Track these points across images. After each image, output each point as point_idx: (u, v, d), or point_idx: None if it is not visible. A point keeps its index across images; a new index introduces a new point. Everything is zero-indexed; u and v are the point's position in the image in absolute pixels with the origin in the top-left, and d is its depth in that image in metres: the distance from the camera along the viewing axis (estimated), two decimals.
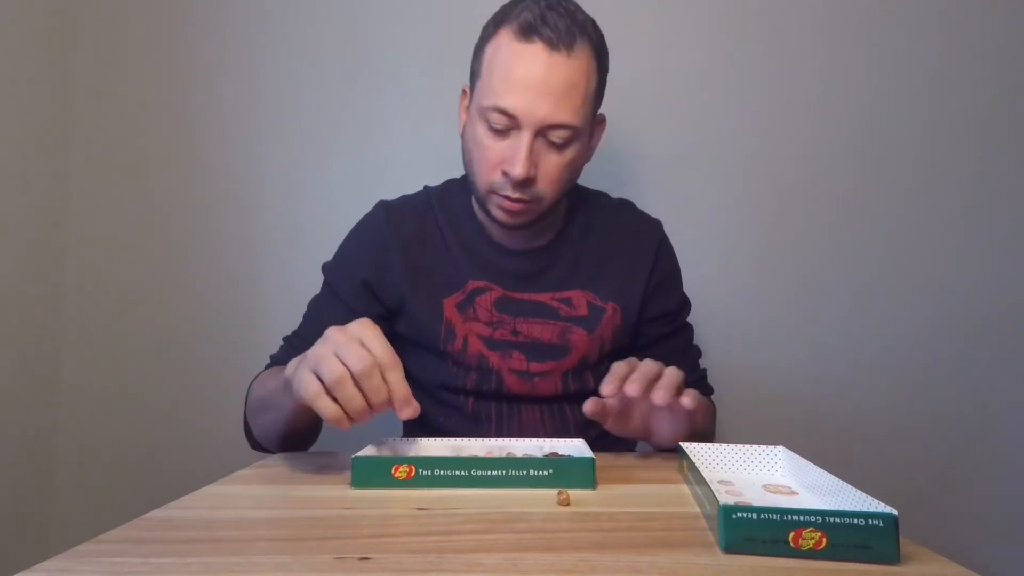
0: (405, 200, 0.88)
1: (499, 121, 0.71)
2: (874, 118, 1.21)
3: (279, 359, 0.81)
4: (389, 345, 0.55)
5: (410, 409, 0.54)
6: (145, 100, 1.21)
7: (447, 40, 1.21)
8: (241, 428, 0.79)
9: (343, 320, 0.80)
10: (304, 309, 0.85)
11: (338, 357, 0.52)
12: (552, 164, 0.73)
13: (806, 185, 1.21)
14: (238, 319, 1.20)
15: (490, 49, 0.73)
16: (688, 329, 0.90)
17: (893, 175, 1.21)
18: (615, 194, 0.92)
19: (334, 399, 0.52)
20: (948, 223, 1.21)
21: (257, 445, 0.77)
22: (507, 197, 0.73)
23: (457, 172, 0.91)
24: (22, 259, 1.11)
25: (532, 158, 0.71)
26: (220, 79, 1.21)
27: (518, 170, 0.70)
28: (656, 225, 0.89)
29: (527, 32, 0.69)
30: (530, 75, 0.69)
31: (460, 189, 0.87)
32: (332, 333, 0.55)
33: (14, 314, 1.09)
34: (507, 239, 0.83)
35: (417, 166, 1.20)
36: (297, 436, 0.70)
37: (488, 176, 0.74)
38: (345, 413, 0.53)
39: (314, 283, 0.86)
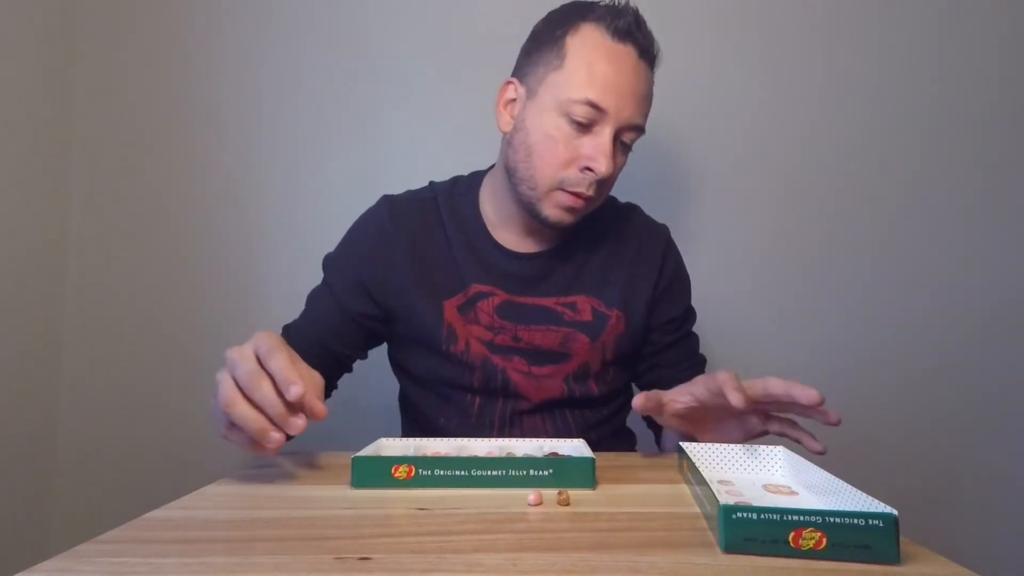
0: (410, 195, 0.86)
1: (585, 115, 0.70)
2: (874, 118, 1.21)
3: None
4: (273, 340, 0.54)
5: (297, 388, 0.50)
6: (145, 100, 1.21)
7: (448, 38, 1.21)
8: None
9: (334, 314, 0.81)
10: (304, 307, 0.85)
11: (231, 375, 0.53)
12: (618, 165, 0.75)
13: (806, 186, 1.21)
14: (238, 319, 1.20)
15: (574, 42, 0.72)
16: (693, 338, 0.89)
17: (894, 175, 1.21)
18: (616, 196, 0.92)
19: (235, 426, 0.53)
20: (949, 223, 1.21)
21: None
22: (577, 193, 0.73)
23: (458, 170, 0.91)
24: (22, 259, 1.11)
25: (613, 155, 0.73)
26: (220, 79, 1.21)
27: (604, 166, 0.71)
28: (662, 230, 0.88)
29: (623, 35, 0.71)
30: (624, 75, 0.71)
31: (467, 188, 0.85)
32: (228, 354, 0.55)
33: (14, 314, 1.09)
34: (515, 243, 0.81)
35: (417, 165, 1.20)
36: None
37: (558, 172, 0.73)
38: (257, 438, 0.52)
39: (314, 283, 0.86)
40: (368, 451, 0.58)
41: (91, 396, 1.20)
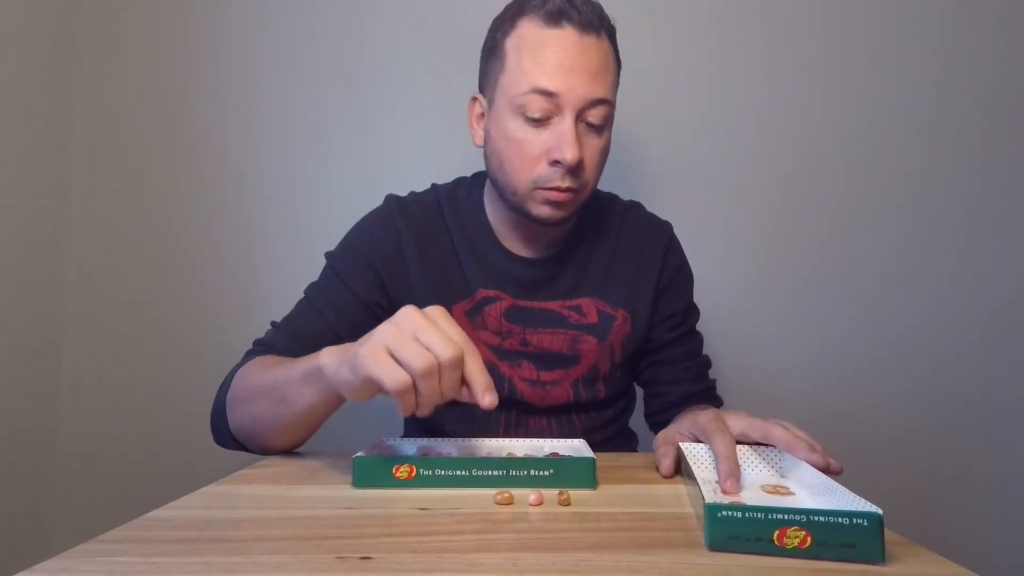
0: (415, 197, 0.84)
1: (538, 107, 0.68)
2: (876, 119, 1.21)
3: (269, 344, 0.75)
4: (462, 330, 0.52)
5: (492, 395, 0.52)
6: (145, 99, 1.21)
7: (448, 38, 1.21)
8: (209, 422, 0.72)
9: (348, 303, 0.77)
10: (297, 304, 0.81)
11: (420, 342, 0.49)
12: (594, 148, 0.71)
13: (808, 187, 1.21)
14: (238, 319, 1.20)
15: (512, 43, 0.71)
16: (696, 337, 0.88)
17: (896, 176, 1.21)
18: (619, 195, 0.91)
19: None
20: (951, 223, 1.21)
21: (229, 441, 0.69)
22: (556, 188, 0.70)
23: (458, 172, 0.91)
24: (22, 259, 1.11)
25: (579, 141, 0.69)
26: (220, 78, 1.21)
27: (570, 153, 0.67)
28: (664, 227, 0.87)
29: (555, 18, 0.68)
30: (567, 54, 0.67)
31: (470, 190, 0.84)
32: (410, 313, 0.51)
33: (14, 314, 1.09)
34: (520, 246, 0.80)
35: (418, 166, 1.20)
36: (303, 433, 0.66)
37: (531, 171, 0.71)
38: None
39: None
40: (369, 451, 0.58)
41: (91, 396, 1.20)
